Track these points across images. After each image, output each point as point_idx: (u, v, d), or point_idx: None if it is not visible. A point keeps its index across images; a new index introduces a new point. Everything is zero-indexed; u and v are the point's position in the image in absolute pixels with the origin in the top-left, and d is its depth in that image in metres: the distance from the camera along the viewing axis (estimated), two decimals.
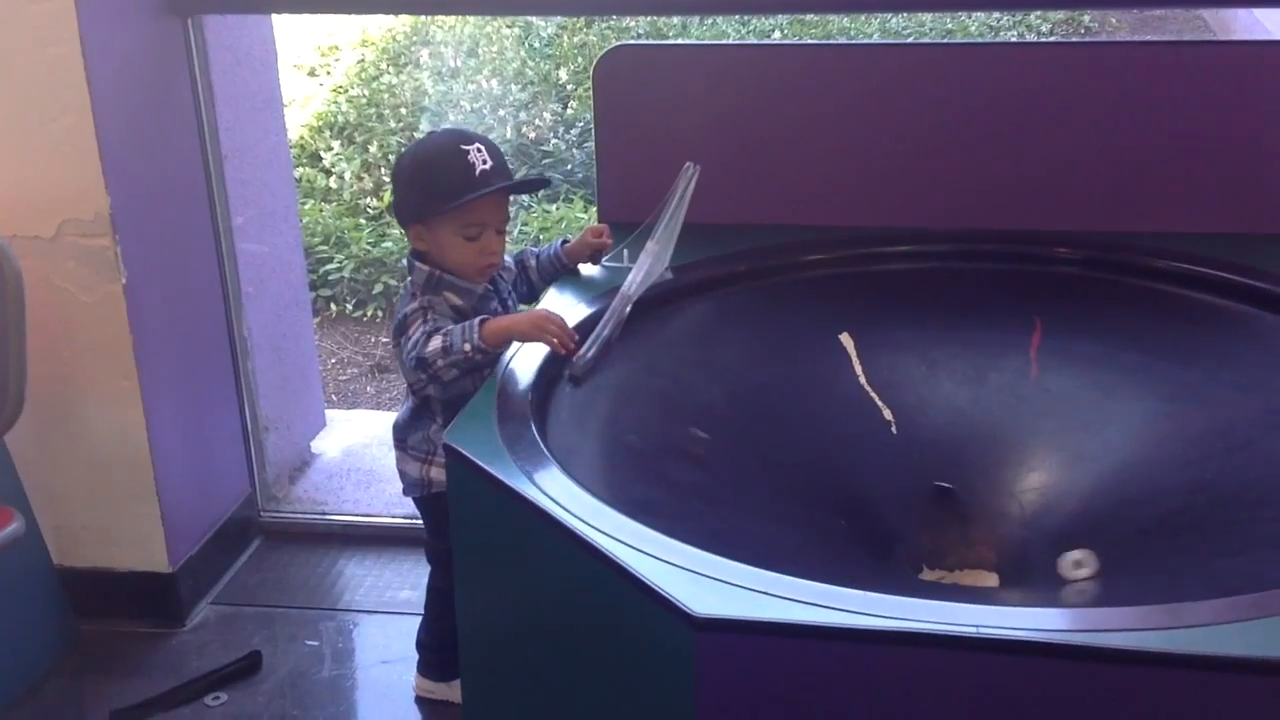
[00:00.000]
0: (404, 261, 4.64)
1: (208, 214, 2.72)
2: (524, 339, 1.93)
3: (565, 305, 2.09)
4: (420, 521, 2.89)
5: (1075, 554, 1.83)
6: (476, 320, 1.94)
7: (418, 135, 5.59)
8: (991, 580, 1.97)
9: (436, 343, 1.95)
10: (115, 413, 2.51)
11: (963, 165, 2.44)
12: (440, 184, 2.02)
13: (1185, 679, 1.30)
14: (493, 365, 1.92)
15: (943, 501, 2.00)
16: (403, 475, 2.20)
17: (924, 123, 2.44)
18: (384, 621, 2.65)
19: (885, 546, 1.97)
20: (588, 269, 2.25)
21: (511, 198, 2.31)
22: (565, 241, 2.25)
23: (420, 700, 2.40)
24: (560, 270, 2.24)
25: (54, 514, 2.57)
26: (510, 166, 2.19)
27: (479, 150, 2.03)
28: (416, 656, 2.40)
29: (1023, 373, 2.11)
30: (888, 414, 2.11)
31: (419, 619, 2.45)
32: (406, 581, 2.76)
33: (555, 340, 1.90)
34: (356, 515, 2.99)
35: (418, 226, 2.07)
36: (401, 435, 2.18)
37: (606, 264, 2.24)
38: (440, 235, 2.06)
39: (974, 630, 1.31)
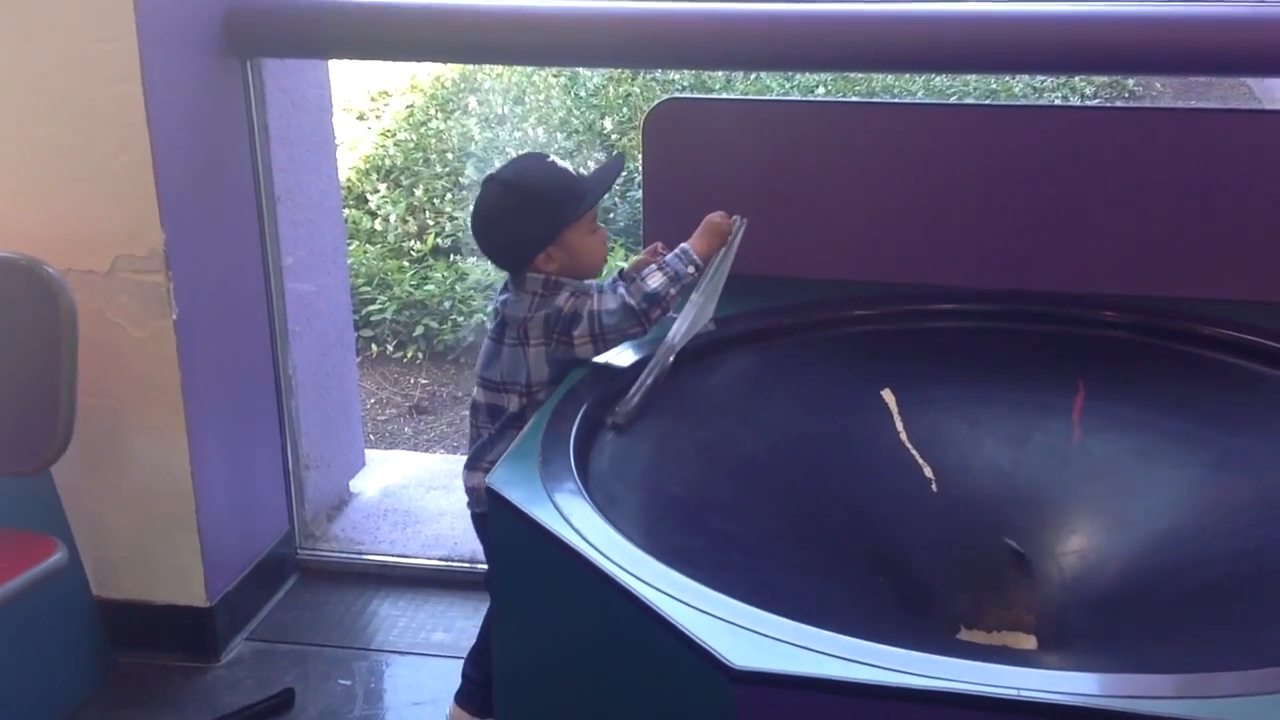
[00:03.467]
0: (444, 304, 4.67)
1: (259, 253, 2.75)
2: (716, 245, 2.12)
3: (611, 354, 2.10)
4: (457, 564, 2.93)
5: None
6: (678, 249, 2.11)
7: (463, 180, 5.65)
8: (1029, 643, 1.96)
9: (658, 277, 2.07)
10: (160, 447, 2.53)
11: (1007, 226, 2.44)
12: (563, 197, 2.10)
13: None
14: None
15: (1016, 563, 1.99)
16: (472, 492, 2.20)
17: (969, 182, 2.45)
18: (417, 663, 2.65)
19: (923, 605, 1.96)
20: None
21: None
22: (622, 270, 2.28)
23: None
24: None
25: (95, 545, 2.59)
26: None
27: (558, 160, 2.17)
28: (449, 701, 2.39)
29: (1065, 435, 2.11)
30: (928, 472, 2.10)
31: (452, 661, 2.46)
32: (440, 623, 2.77)
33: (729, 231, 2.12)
34: (393, 556, 2.99)
35: (549, 249, 2.11)
36: (481, 453, 2.18)
37: None
38: (572, 242, 2.11)
39: (1015, 693, 1.30)
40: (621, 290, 2.07)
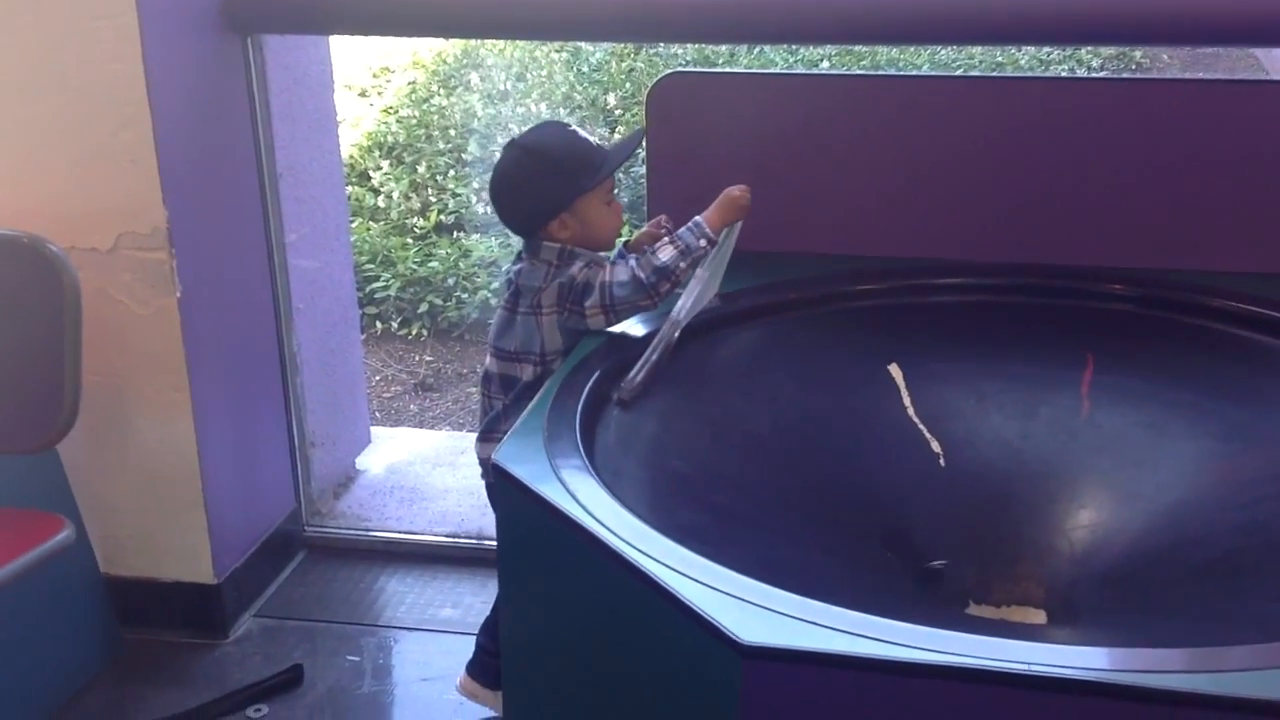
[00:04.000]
0: (448, 281, 4.66)
1: (262, 230, 2.75)
2: (735, 219, 2.12)
3: (616, 329, 2.10)
4: (464, 540, 2.93)
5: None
6: (691, 222, 2.09)
7: (466, 156, 5.64)
8: (1039, 617, 1.95)
9: (669, 250, 2.07)
10: (166, 425, 2.53)
11: (1014, 199, 2.43)
12: (580, 165, 2.10)
13: None
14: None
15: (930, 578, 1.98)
16: (486, 463, 2.19)
17: (975, 155, 2.44)
18: (425, 639, 2.65)
19: (931, 580, 1.96)
20: None
21: None
22: (626, 242, 2.28)
23: (461, 711, 2.40)
24: None
25: (102, 523, 2.59)
26: None
27: (579, 129, 2.17)
28: (458, 675, 2.40)
29: (1074, 409, 2.10)
30: (936, 446, 2.10)
31: (460, 637, 2.46)
32: (448, 599, 2.77)
33: (747, 206, 2.12)
34: (399, 532, 3.00)
35: (561, 216, 2.11)
36: (494, 426, 2.18)
37: None
38: (587, 211, 2.12)
39: (1025, 667, 1.30)
40: (632, 263, 2.07)
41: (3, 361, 2.22)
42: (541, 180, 2.11)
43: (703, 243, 2.07)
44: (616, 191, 2.19)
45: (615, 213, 2.18)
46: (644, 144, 2.52)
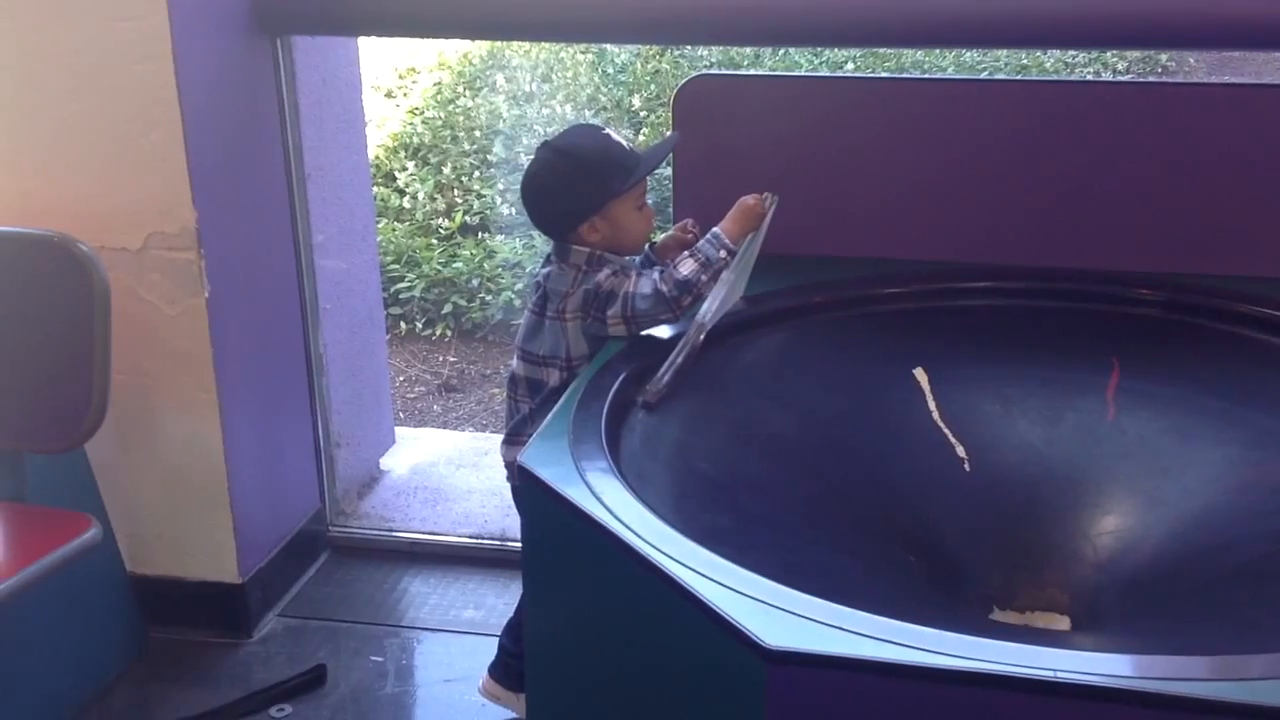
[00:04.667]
0: (472, 282, 4.67)
1: (290, 231, 2.76)
2: (751, 228, 2.11)
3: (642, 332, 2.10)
4: (487, 541, 2.94)
5: None
6: (709, 234, 2.10)
7: (491, 158, 5.65)
8: (1063, 623, 1.95)
9: (689, 264, 2.06)
10: (193, 424, 2.55)
11: (1039, 202, 2.42)
12: (612, 169, 2.10)
13: None
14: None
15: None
16: (512, 466, 2.20)
17: (1000, 159, 2.43)
18: (448, 640, 2.66)
19: (955, 585, 1.96)
20: None
21: None
22: (653, 245, 2.28)
23: (484, 713, 2.40)
24: (653, 266, 2.27)
25: (128, 522, 2.61)
26: None
27: (614, 132, 2.17)
28: (479, 676, 2.40)
29: (1100, 414, 2.09)
30: (961, 451, 2.09)
31: (482, 638, 2.46)
32: (470, 600, 2.78)
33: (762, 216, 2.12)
34: (423, 533, 3.00)
35: (592, 219, 2.11)
36: (520, 429, 2.19)
37: None
38: (618, 215, 2.12)
39: (1049, 674, 1.30)
40: (656, 276, 2.07)
41: (32, 360, 2.24)
42: (573, 182, 2.11)
43: (723, 254, 2.07)
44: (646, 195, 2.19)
45: (646, 218, 2.17)
46: None
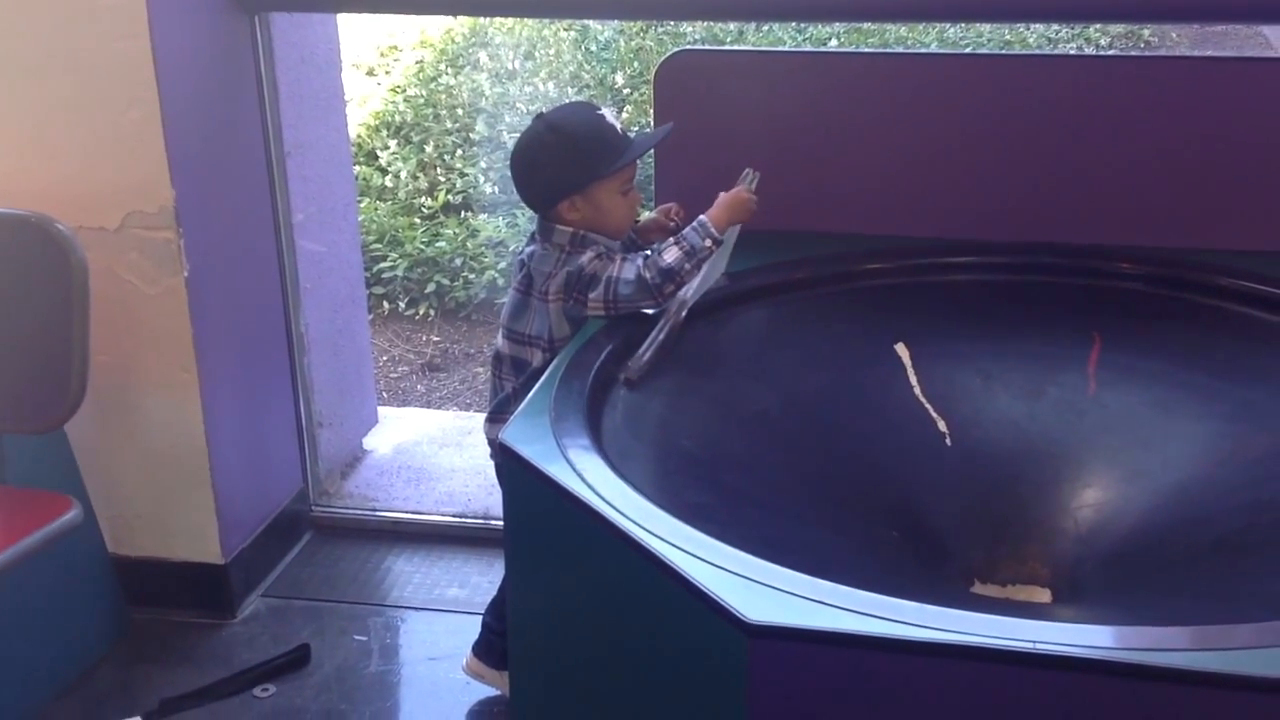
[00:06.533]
0: (455, 261, 4.66)
1: (269, 210, 2.74)
2: (741, 220, 2.10)
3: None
4: (470, 520, 2.94)
5: None
6: (696, 222, 2.07)
7: (473, 136, 5.63)
8: (1044, 596, 1.96)
9: (674, 252, 2.05)
10: (173, 405, 2.54)
11: (1022, 177, 2.42)
12: (599, 150, 2.09)
13: (1238, 700, 1.28)
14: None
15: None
16: (494, 444, 2.20)
17: (982, 134, 2.43)
18: (431, 618, 2.66)
19: (937, 559, 1.96)
20: None
21: None
22: (636, 223, 2.27)
23: (469, 700, 2.40)
24: (634, 248, 2.26)
25: (110, 503, 2.60)
26: None
27: (608, 114, 2.14)
28: (463, 655, 2.41)
29: (1081, 388, 2.10)
30: (942, 426, 2.10)
31: (466, 617, 2.46)
32: (454, 579, 2.78)
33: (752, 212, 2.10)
34: (406, 512, 3.00)
35: (573, 197, 2.11)
36: (503, 408, 2.18)
37: None
38: (599, 197, 2.11)
39: (1030, 645, 1.30)
40: (640, 262, 2.06)
41: (11, 341, 2.22)
42: (559, 159, 2.10)
43: (708, 243, 2.06)
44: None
45: (631, 203, 2.16)
46: (653, 123, 2.52)
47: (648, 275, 2.04)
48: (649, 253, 2.08)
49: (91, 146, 2.40)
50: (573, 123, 2.13)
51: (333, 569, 2.83)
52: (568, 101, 2.29)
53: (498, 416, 2.18)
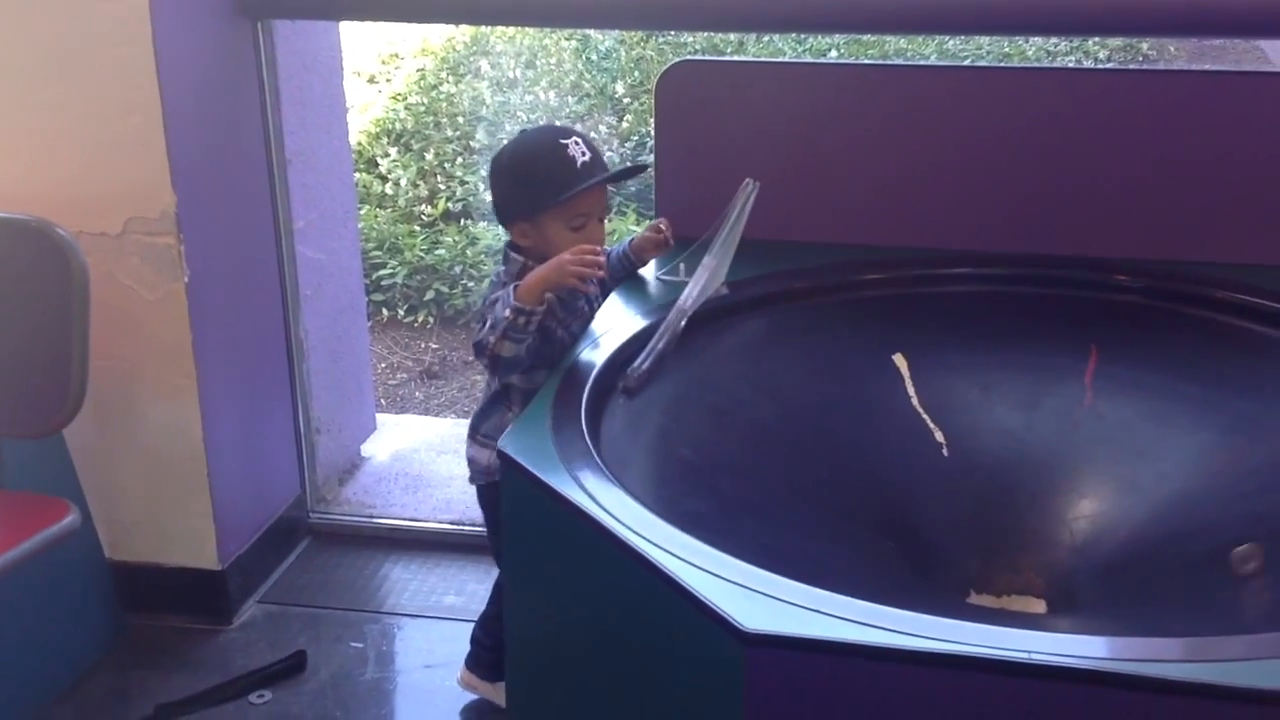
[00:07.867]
0: (455, 269, 4.68)
1: (270, 216, 2.75)
2: (555, 288, 1.96)
3: (623, 318, 2.10)
4: (468, 527, 2.94)
5: (1244, 549, 1.79)
6: (512, 285, 1.98)
7: (474, 144, 5.64)
8: (1039, 607, 1.96)
9: (486, 323, 1.99)
10: (172, 410, 2.54)
11: (1021, 189, 2.43)
12: (545, 180, 2.05)
13: (1231, 712, 1.28)
14: (546, 332, 2.00)
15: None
16: (471, 462, 2.20)
17: (982, 146, 2.44)
18: (428, 626, 2.66)
19: (933, 569, 1.96)
20: (648, 282, 2.26)
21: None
22: (633, 240, 2.28)
23: (464, 707, 2.41)
24: (630, 266, 2.27)
25: (108, 508, 2.60)
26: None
27: (576, 143, 2.06)
28: (460, 663, 2.41)
29: (1077, 399, 2.10)
30: (939, 436, 2.10)
31: (463, 624, 2.46)
32: (451, 587, 2.78)
33: (577, 277, 1.93)
34: (404, 520, 3.00)
35: (522, 224, 2.09)
36: (476, 423, 2.19)
37: (663, 277, 2.26)
38: (547, 229, 2.07)
39: (1025, 655, 1.31)
40: (504, 310, 1.96)
41: (10, 346, 2.23)
42: (511, 183, 2.10)
43: (508, 313, 1.93)
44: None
45: (584, 238, 2.05)
46: (653, 132, 2.52)
47: (488, 327, 1.98)
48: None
49: (93, 152, 2.41)
50: (528, 148, 2.11)
51: (330, 575, 2.84)
52: (544, 125, 2.26)
53: (472, 433, 2.19)
